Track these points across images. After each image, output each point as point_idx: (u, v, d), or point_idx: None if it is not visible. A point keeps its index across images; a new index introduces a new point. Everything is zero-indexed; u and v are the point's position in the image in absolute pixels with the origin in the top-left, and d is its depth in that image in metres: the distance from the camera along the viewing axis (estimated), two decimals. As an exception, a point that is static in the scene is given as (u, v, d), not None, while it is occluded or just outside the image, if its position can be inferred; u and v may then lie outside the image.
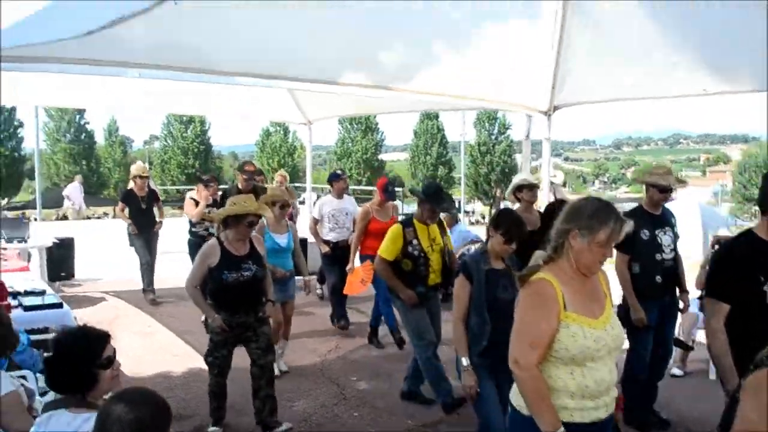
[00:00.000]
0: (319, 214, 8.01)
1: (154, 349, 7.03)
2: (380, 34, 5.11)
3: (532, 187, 6.10)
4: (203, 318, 5.07)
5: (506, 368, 3.92)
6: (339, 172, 8.58)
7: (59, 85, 7.83)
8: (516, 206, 6.09)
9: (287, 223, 6.43)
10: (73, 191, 21.11)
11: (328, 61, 5.21)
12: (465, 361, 3.99)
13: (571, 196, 7.59)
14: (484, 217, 56.43)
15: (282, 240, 6.20)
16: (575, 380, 2.63)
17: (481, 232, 13.68)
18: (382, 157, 64.12)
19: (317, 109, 10.05)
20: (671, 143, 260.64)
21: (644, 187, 5.28)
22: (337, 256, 7.78)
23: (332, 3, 4.63)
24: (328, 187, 8.42)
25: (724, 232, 8.50)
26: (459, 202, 53.97)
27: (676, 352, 6.89)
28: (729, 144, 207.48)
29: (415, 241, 5.29)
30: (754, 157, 65.37)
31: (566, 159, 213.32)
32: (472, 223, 47.13)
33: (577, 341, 2.59)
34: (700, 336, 6.37)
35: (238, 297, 4.74)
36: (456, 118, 55.31)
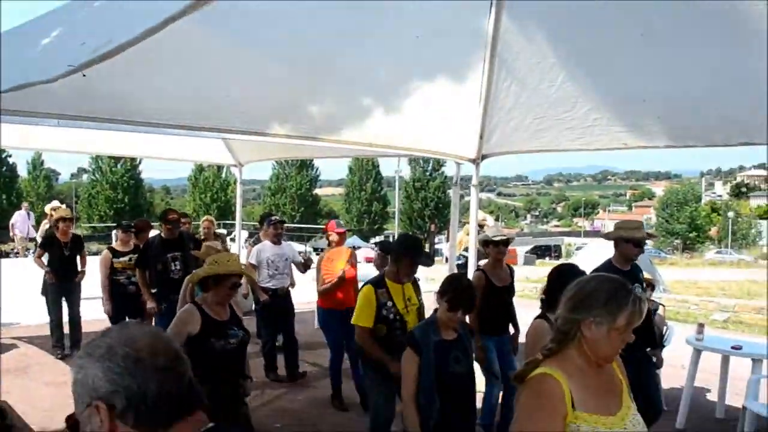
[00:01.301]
0: (257, 260, 7.76)
1: (68, 403, 6.71)
2: (309, 88, 5.14)
3: (498, 244, 6.01)
4: None
5: None
6: (273, 218, 8.31)
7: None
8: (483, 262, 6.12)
9: None
10: (20, 220, 20.27)
11: (257, 112, 5.20)
12: None
13: (506, 230, 7.74)
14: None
15: None
16: None
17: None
18: (316, 192, 64.27)
19: (249, 153, 10.00)
20: (600, 179, 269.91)
21: (614, 243, 5.19)
22: (277, 304, 7.60)
23: (259, 57, 4.64)
24: (258, 224, 8.33)
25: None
26: (393, 237, 54.39)
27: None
28: (653, 180, 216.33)
29: (389, 303, 4.75)
30: (675, 193, 68.25)
31: (499, 194, 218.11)
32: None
33: None
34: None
35: (225, 367, 4.17)
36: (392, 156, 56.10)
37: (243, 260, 8.64)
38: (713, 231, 70.28)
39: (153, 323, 7.52)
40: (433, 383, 3.64)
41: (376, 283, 4.86)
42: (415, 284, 5.10)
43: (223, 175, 51.69)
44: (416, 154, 7.17)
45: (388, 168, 63.17)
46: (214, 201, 49.08)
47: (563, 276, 3.81)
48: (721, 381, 7.39)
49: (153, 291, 7.33)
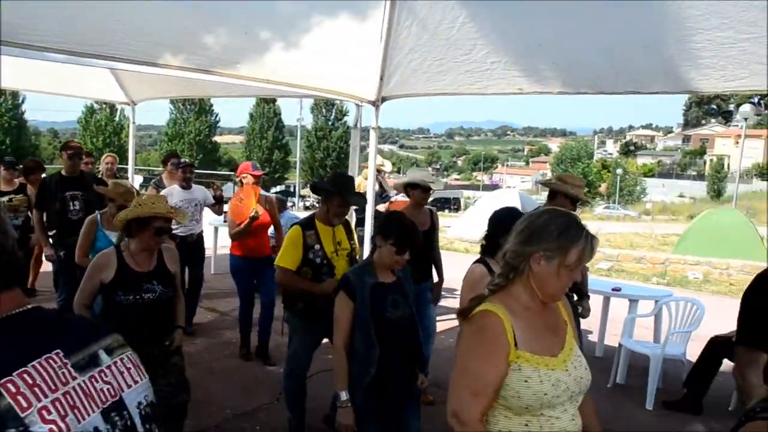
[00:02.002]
0: None
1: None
2: (204, 17, 4.92)
3: (427, 189, 5.79)
4: None
5: (404, 404, 3.60)
6: (182, 161, 7.87)
7: None
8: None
9: None
10: None
11: (148, 39, 4.92)
12: (344, 395, 3.41)
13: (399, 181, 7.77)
14: (319, 202, 56.78)
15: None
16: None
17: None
18: (216, 139, 62.62)
19: (142, 89, 9.51)
20: (499, 134, 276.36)
21: (551, 192, 5.16)
22: (188, 251, 7.05)
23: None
24: (160, 169, 7.91)
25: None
26: (294, 187, 54.03)
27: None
28: (549, 137, 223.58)
29: (317, 246, 4.55)
30: (569, 149, 70.91)
31: (401, 146, 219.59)
32: (307, 208, 47.27)
33: (531, 387, 2.11)
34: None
35: (137, 324, 3.69)
36: (293, 103, 55.15)
37: None
38: (603, 187, 73.63)
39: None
40: (371, 329, 3.41)
41: (305, 224, 4.66)
42: (348, 227, 4.93)
43: (117, 118, 49.44)
44: (315, 93, 7.03)
45: (290, 116, 62.27)
46: (106, 145, 46.84)
47: (503, 221, 3.76)
48: (602, 322, 7.85)
49: (50, 234, 6.79)
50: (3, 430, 1.14)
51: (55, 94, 9.84)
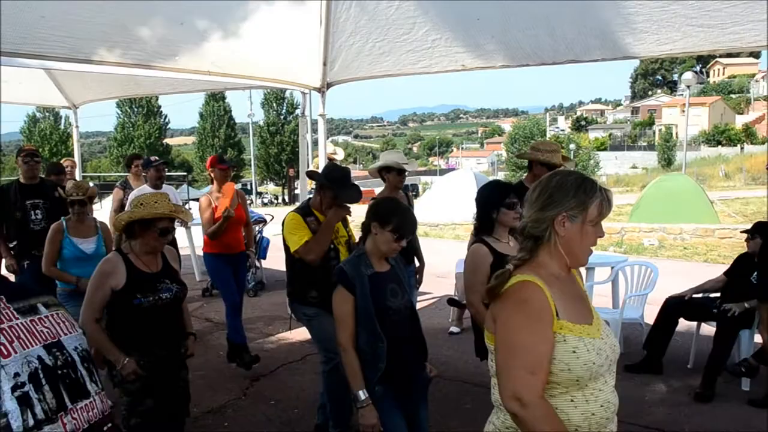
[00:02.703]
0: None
1: None
2: (135, 8, 4.81)
3: (401, 172, 5.65)
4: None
5: (415, 394, 3.41)
6: (153, 159, 7.49)
7: None
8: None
9: (96, 224, 5.33)
10: None
11: (81, 35, 4.80)
12: (363, 395, 3.17)
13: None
14: (277, 198, 56.48)
15: (88, 246, 5.15)
16: (578, 409, 2.02)
17: (275, 212, 13.67)
18: (167, 141, 61.71)
19: (82, 91, 9.31)
20: (452, 118, 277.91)
21: (529, 164, 5.04)
22: None
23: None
24: (114, 175, 7.69)
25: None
26: (250, 184, 53.55)
27: (453, 311, 7.42)
28: (502, 118, 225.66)
29: None
30: (522, 128, 71.63)
31: (356, 136, 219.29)
32: (265, 204, 46.99)
33: (580, 357, 2.00)
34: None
35: (155, 326, 3.56)
36: (243, 100, 54.66)
37: (106, 213, 7.85)
38: (557, 163, 74.06)
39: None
40: (375, 322, 3.21)
41: (304, 211, 4.49)
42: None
43: (62, 126, 48.30)
44: (260, 83, 6.95)
45: (241, 113, 61.49)
46: (53, 155, 45.68)
47: (490, 195, 3.78)
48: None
49: (11, 245, 6.28)
50: None
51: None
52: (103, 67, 5.11)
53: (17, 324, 1.58)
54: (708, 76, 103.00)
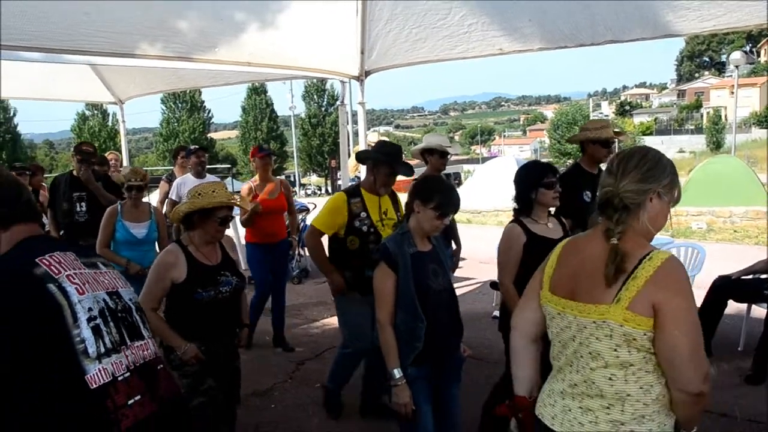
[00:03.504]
0: (178, 195, 7.07)
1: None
2: (173, 2, 4.92)
3: (445, 154, 5.58)
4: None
5: (449, 377, 3.42)
6: (193, 147, 7.62)
7: None
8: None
9: (150, 209, 5.50)
10: None
11: (123, 30, 4.91)
12: (398, 373, 3.17)
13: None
14: (320, 189, 56.88)
15: (140, 231, 5.31)
16: (665, 387, 2.01)
17: (318, 202, 13.79)
18: (211, 135, 62.59)
19: (127, 87, 9.52)
20: (494, 106, 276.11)
21: (581, 145, 4.87)
22: None
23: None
24: (161, 169, 7.87)
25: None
26: (293, 176, 54.01)
27: (496, 295, 7.41)
28: (544, 104, 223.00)
29: (363, 214, 4.38)
30: (564, 114, 70.65)
31: (397, 126, 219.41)
32: (308, 195, 47.34)
33: None
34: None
35: (212, 320, 3.53)
36: (285, 92, 55.10)
37: (155, 199, 8.00)
38: (601, 149, 72.82)
39: None
40: (416, 302, 3.19)
41: (351, 192, 4.49)
42: (394, 198, 4.68)
43: (110, 123, 49.40)
44: (298, 73, 7.01)
45: (282, 106, 61.96)
46: (102, 151, 46.79)
47: (529, 175, 3.77)
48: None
49: (60, 234, 6.47)
50: (45, 284, 1.78)
51: (41, 99, 9.85)
52: (146, 61, 5.22)
53: (86, 272, 1.92)
54: (759, 55, 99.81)
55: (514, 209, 3.86)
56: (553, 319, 2.17)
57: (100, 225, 5.31)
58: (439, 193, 3.26)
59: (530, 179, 3.75)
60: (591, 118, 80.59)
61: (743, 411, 4.59)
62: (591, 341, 2.01)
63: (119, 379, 1.83)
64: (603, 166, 4.50)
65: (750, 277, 6.04)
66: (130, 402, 1.83)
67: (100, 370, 1.78)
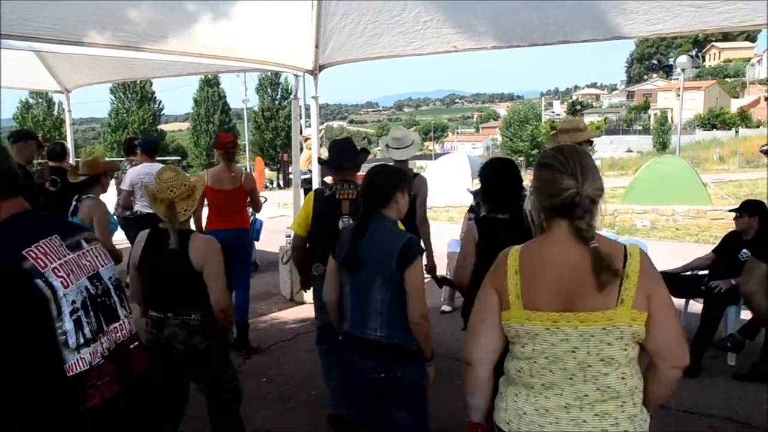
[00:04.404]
0: (129, 184, 7.06)
1: None
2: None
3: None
4: None
5: None
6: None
7: None
8: None
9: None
10: None
11: (70, 16, 4.80)
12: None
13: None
14: (272, 182, 56.34)
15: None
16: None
17: (270, 196, 13.68)
18: (161, 127, 61.47)
19: (73, 75, 9.27)
20: (448, 103, 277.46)
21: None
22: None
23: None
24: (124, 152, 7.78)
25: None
26: (245, 169, 53.39)
27: (445, 290, 7.48)
28: (498, 102, 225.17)
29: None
30: (517, 113, 71.42)
31: (351, 121, 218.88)
32: (266, 187, 46.88)
33: None
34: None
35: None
36: (237, 85, 54.33)
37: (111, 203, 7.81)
38: (552, 147, 73.80)
39: None
40: None
41: (326, 187, 4.49)
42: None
43: (55, 112, 48.04)
44: (251, 65, 6.95)
45: (235, 99, 61.12)
46: (46, 141, 45.49)
47: (498, 173, 3.67)
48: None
49: None
50: (32, 279, 1.83)
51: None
52: (94, 49, 5.11)
53: (70, 259, 1.97)
54: (704, 60, 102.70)
55: (484, 205, 3.71)
56: (535, 337, 2.04)
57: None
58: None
59: (502, 177, 3.64)
60: (543, 116, 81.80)
61: (680, 403, 4.74)
62: (602, 348, 1.98)
63: (94, 366, 1.94)
64: None
65: (689, 273, 6.24)
66: (99, 383, 1.94)
67: (78, 360, 1.89)
